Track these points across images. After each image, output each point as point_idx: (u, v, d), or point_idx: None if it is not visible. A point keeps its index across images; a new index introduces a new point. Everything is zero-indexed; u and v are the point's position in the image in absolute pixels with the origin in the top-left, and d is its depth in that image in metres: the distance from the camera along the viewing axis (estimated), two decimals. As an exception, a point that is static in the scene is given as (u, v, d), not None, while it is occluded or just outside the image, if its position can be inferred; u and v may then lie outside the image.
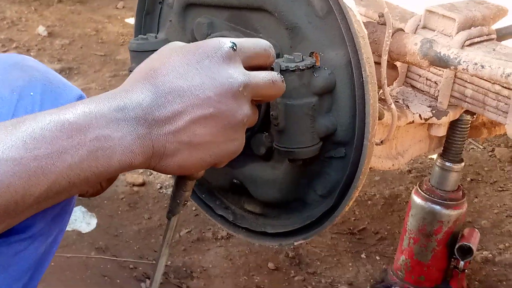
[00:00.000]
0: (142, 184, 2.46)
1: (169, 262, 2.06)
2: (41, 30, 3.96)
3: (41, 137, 0.71)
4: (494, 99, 1.46)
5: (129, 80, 0.82)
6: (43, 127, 0.72)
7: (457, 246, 1.71)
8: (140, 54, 1.47)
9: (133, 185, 2.45)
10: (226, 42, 0.82)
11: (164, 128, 0.78)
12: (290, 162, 1.32)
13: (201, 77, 0.79)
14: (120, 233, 2.21)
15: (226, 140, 0.83)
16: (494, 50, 1.43)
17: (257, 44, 0.87)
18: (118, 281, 1.98)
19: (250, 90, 0.83)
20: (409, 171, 2.62)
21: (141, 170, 2.56)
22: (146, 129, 0.77)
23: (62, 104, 0.91)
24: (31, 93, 0.89)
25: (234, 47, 0.82)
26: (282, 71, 1.19)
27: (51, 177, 0.71)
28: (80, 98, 0.94)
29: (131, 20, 4.20)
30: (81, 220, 2.24)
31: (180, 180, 0.94)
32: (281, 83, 0.88)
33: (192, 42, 1.46)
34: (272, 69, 0.93)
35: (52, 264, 1.90)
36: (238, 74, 0.81)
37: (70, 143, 0.72)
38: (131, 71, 1.47)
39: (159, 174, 2.54)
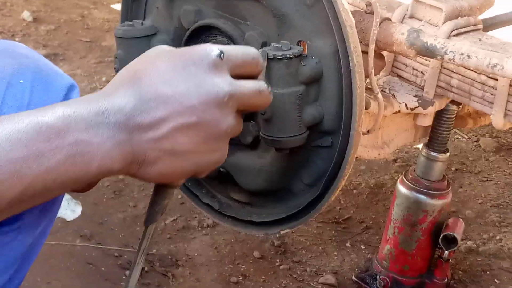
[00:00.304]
0: (128, 172, 2.45)
1: (154, 250, 2.06)
2: (26, 15, 3.92)
3: (17, 140, 0.69)
4: (480, 89, 1.46)
5: (112, 83, 0.80)
6: (20, 129, 0.70)
7: (441, 235, 1.72)
8: (126, 40, 1.46)
9: (119, 172, 2.44)
10: (213, 50, 0.80)
11: (146, 135, 0.76)
12: (276, 151, 1.32)
13: (186, 84, 0.77)
14: (105, 220, 2.20)
15: (208, 150, 0.81)
16: (480, 40, 1.44)
17: (245, 52, 0.85)
18: (103, 269, 1.98)
19: (235, 100, 0.81)
20: (395, 161, 2.63)
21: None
22: (127, 135, 0.75)
23: (52, 92, 0.88)
24: (21, 81, 0.87)
25: (222, 55, 0.80)
26: (270, 59, 1.19)
27: (25, 181, 0.70)
28: (71, 87, 0.92)
29: (117, 6, 4.17)
30: (66, 207, 2.23)
31: (159, 188, 0.92)
32: (267, 93, 0.86)
33: (179, 29, 1.46)
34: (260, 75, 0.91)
35: (36, 251, 1.89)
36: (224, 83, 0.79)
37: (48, 147, 0.71)
38: (117, 58, 1.46)
39: (145, 162, 2.52)
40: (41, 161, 0.70)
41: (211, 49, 0.80)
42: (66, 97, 0.90)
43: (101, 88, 3.20)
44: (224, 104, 0.79)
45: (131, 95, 0.76)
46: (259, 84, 0.85)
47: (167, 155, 0.78)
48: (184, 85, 0.77)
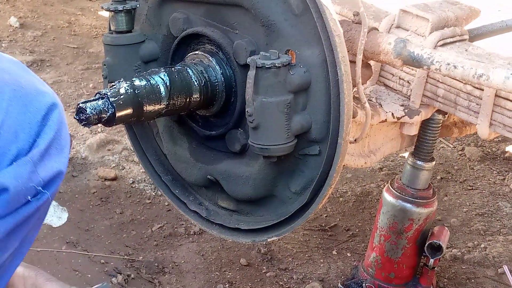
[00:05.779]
0: (114, 179, 2.44)
1: (141, 258, 2.06)
2: (13, 21, 3.91)
3: None
4: (465, 99, 1.48)
5: None
6: None
7: (427, 243, 1.73)
8: (115, 48, 1.46)
9: (105, 179, 2.44)
10: None
11: None
12: (264, 159, 1.32)
13: None
14: (91, 227, 2.19)
15: None
16: (466, 50, 1.45)
17: None
18: (89, 275, 1.97)
19: None
20: (381, 169, 2.64)
21: (113, 164, 2.54)
22: None
23: (31, 112, 0.82)
24: None
25: None
26: (258, 68, 1.19)
27: None
28: (52, 106, 0.86)
29: (105, 13, 4.17)
30: (52, 214, 2.22)
31: None
32: None
33: (168, 37, 1.46)
34: None
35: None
36: None
37: None
38: (105, 65, 1.47)
39: (131, 168, 2.52)
40: None
41: None
42: (45, 117, 0.84)
43: (88, 95, 3.19)
44: None
45: None
46: None
47: None
48: None
